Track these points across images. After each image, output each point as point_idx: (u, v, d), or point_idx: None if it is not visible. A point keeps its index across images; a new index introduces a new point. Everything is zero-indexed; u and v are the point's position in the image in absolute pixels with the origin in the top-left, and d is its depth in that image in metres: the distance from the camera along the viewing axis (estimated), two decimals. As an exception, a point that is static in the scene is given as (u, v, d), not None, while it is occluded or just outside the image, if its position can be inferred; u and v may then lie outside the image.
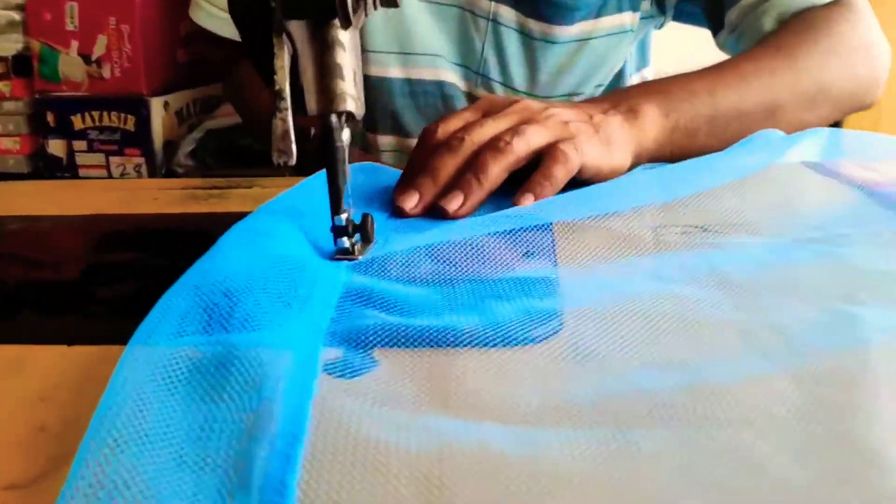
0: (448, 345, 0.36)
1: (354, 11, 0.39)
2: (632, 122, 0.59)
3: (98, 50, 1.25)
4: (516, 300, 0.39)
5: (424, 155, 0.55)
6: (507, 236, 0.49)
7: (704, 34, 0.90)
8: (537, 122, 0.55)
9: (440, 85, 0.85)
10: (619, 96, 0.62)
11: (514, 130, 0.54)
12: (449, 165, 0.53)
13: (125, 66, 1.24)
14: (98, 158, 1.28)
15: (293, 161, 0.40)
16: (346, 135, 0.45)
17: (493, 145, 0.53)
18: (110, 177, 1.29)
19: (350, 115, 0.43)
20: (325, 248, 0.47)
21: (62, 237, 0.57)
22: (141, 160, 1.28)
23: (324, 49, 0.42)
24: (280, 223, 0.45)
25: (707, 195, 0.53)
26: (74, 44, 1.25)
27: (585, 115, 0.58)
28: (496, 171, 0.52)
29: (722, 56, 0.81)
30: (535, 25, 0.82)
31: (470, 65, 0.85)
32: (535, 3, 0.81)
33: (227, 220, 0.58)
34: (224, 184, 0.69)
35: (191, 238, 0.55)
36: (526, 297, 0.40)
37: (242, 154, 1.33)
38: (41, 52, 1.28)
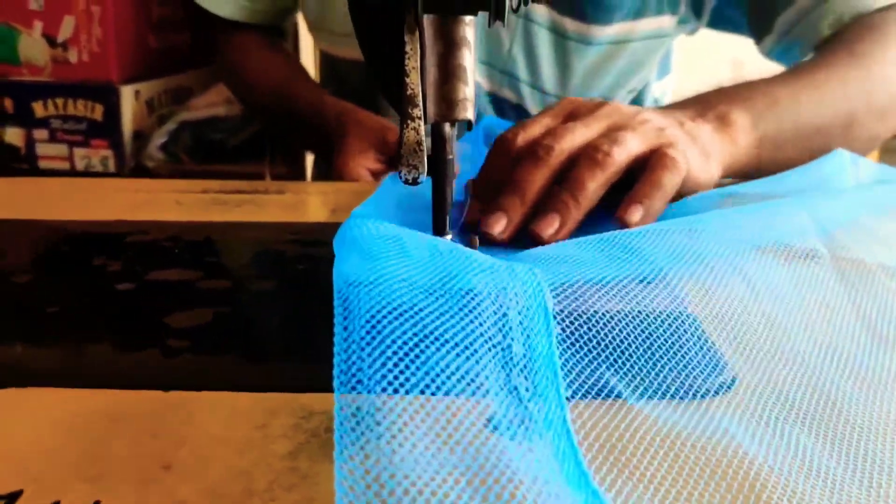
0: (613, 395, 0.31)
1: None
2: (722, 131, 0.54)
3: (64, 32, 1.16)
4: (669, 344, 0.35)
5: (503, 166, 0.48)
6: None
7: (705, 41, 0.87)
8: (632, 128, 0.49)
9: None
10: (703, 102, 0.56)
11: (611, 138, 0.47)
12: (536, 179, 0.46)
13: (94, 50, 1.16)
14: (60, 150, 1.19)
15: (423, 178, 0.35)
16: (455, 145, 0.40)
17: (590, 156, 0.46)
18: (73, 169, 1.20)
19: (468, 123, 0.38)
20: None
21: (71, 244, 0.50)
22: (108, 153, 1.19)
23: (450, 49, 0.37)
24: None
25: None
26: (38, 24, 1.16)
27: (676, 121, 0.53)
28: (594, 187, 0.46)
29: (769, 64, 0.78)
30: (570, 24, 0.77)
31: (495, 63, 0.80)
32: (573, 0, 0.76)
33: (274, 232, 0.52)
34: (249, 188, 0.63)
35: (242, 252, 0.49)
36: (675, 339, 0.35)
37: (216, 148, 1.26)
38: (-1, 31, 1.18)
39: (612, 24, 0.77)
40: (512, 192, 0.46)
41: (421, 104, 0.34)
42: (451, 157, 0.38)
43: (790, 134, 0.58)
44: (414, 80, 0.34)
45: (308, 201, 0.60)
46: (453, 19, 0.36)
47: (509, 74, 0.80)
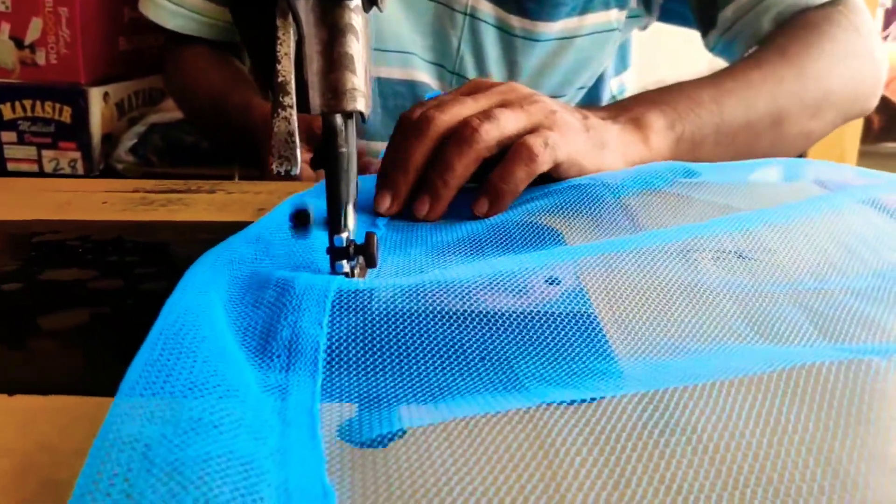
0: (486, 408, 0.29)
1: (381, -10, 0.32)
2: (633, 131, 0.55)
3: (32, 34, 1.14)
4: (558, 344, 0.33)
5: (396, 140, 0.50)
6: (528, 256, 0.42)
7: (686, 36, 0.85)
8: (518, 106, 0.49)
9: (412, 85, 0.78)
10: (618, 108, 0.57)
11: (486, 114, 0.47)
12: (417, 154, 0.48)
13: (62, 52, 1.14)
14: (29, 152, 1.18)
15: (297, 170, 0.33)
16: (352, 138, 0.38)
17: (459, 134, 0.47)
18: (42, 171, 1.18)
19: (360, 116, 0.36)
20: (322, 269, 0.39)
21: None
22: (77, 155, 1.18)
23: (334, 36, 0.35)
24: (258, 259, 0.38)
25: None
26: (5, 26, 1.14)
27: (580, 113, 0.53)
28: (460, 168, 0.47)
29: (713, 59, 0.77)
30: (516, 22, 0.76)
31: (445, 63, 0.78)
32: None
33: (189, 232, 0.50)
34: (182, 187, 0.61)
35: (150, 252, 0.47)
36: (569, 341, 0.33)
37: (188, 151, 1.24)
38: (-34, 33, 1.17)
39: (558, 20, 0.75)
40: (395, 167, 0.48)
41: (293, 92, 0.32)
42: (343, 150, 0.36)
43: (711, 133, 0.58)
44: (286, 68, 0.32)
45: (238, 200, 0.58)
46: (336, 5, 0.34)
47: (458, 74, 0.79)
